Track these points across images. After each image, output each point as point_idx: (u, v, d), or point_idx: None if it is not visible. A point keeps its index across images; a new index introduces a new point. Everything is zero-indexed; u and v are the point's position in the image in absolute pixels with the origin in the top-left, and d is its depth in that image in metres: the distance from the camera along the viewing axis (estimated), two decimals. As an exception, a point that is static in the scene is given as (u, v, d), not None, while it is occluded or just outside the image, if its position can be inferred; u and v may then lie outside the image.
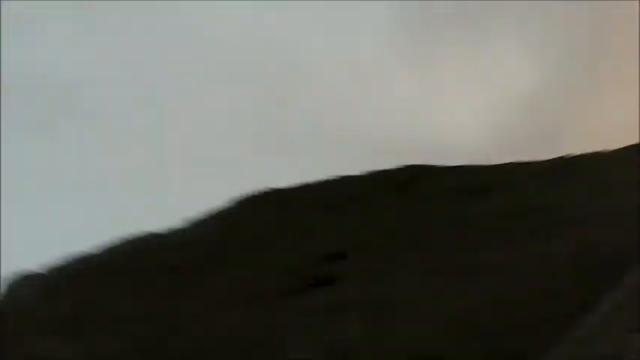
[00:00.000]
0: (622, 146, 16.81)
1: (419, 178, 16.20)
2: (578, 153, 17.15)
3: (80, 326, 14.65)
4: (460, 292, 10.86)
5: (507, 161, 17.30)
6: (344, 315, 12.65)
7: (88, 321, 14.64)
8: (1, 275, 16.82)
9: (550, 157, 17.27)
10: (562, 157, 17.02)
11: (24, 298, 16.20)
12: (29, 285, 16.74)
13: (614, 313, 6.40)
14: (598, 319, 6.66)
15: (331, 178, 19.30)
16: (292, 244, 19.44)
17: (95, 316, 15.16)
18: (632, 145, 16.37)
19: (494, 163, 17.11)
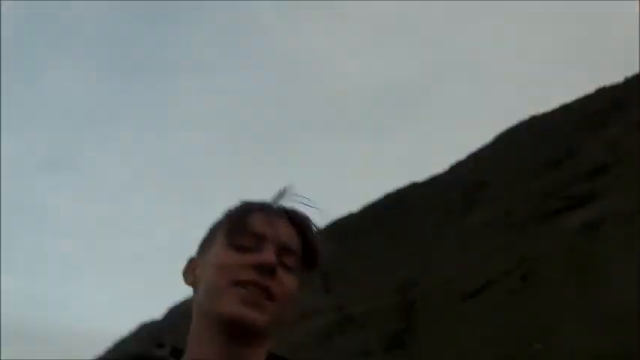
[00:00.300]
0: None
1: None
2: None
3: (334, 278, 15.91)
4: None
5: None
6: (597, 232, 11.74)
7: (342, 273, 15.89)
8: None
9: None
10: None
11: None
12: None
13: None
14: None
15: (589, 92, 17.83)
16: (552, 165, 18.41)
17: (348, 267, 16.39)
18: None
19: None
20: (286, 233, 0.90)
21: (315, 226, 0.94)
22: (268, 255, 0.86)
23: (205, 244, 0.96)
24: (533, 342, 22.50)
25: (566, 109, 19.91)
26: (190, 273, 0.95)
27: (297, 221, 0.92)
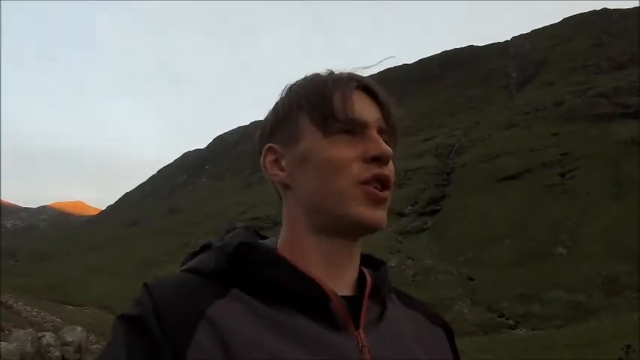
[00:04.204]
0: None
1: None
2: None
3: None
4: None
5: None
6: None
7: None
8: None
9: None
10: None
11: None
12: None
13: None
14: None
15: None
16: (616, 68, 18.12)
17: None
18: None
19: None
20: (380, 114, 0.82)
21: (394, 102, 0.85)
22: (384, 144, 0.79)
23: (286, 131, 0.84)
24: (557, 242, 23.96)
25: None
26: (275, 166, 0.84)
27: (382, 99, 0.83)
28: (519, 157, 34.73)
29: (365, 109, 0.81)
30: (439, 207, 33.65)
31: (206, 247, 0.81)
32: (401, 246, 30.20)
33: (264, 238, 0.88)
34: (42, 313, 16.61)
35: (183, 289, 0.74)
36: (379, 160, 0.79)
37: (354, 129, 0.80)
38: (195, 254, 0.82)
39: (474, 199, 31.53)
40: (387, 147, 0.79)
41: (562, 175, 30.89)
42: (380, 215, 0.78)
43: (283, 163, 0.83)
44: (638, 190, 22.33)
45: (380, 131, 0.81)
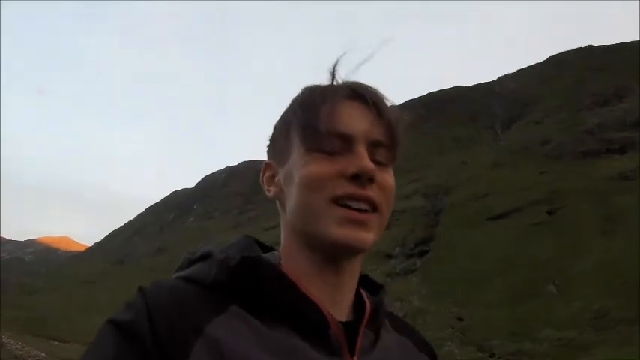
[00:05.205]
0: None
1: None
2: None
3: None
4: None
5: None
6: (630, 185, 12.37)
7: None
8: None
9: None
10: None
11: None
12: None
13: None
14: None
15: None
16: (600, 104, 18.54)
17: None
18: None
19: None
20: (374, 126, 0.77)
21: (393, 105, 0.80)
22: (364, 160, 0.74)
23: (278, 146, 0.83)
24: (548, 279, 24.11)
25: (628, 47, 20.03)
26: (269, 182, 0.83)
27: (380, 107, 0.78)
28: (507, 196, 35.16)
29: (354, 120, 0.77)
30: (428, 248, 33.82)
31: (206, 256, 0.78)
32: (389, 288, 30.18)
33: (265, 247, 0.86)
34: (26, 347, 16.48)
35: (181, 298, 0.71)
36: (358, 177, 0.74)
37: (341, 143, 0.77)
38: (193, 261, 0.79)
39: (462, 238, 31.72)
40: (369, 163, 0.75)
41: (550, 213, 31.34)
42: (358, 236, 0.74)
43: (277, 179, 0.82)
44: (627, 225, 22.73)
45: (374, 144, 0.78)
